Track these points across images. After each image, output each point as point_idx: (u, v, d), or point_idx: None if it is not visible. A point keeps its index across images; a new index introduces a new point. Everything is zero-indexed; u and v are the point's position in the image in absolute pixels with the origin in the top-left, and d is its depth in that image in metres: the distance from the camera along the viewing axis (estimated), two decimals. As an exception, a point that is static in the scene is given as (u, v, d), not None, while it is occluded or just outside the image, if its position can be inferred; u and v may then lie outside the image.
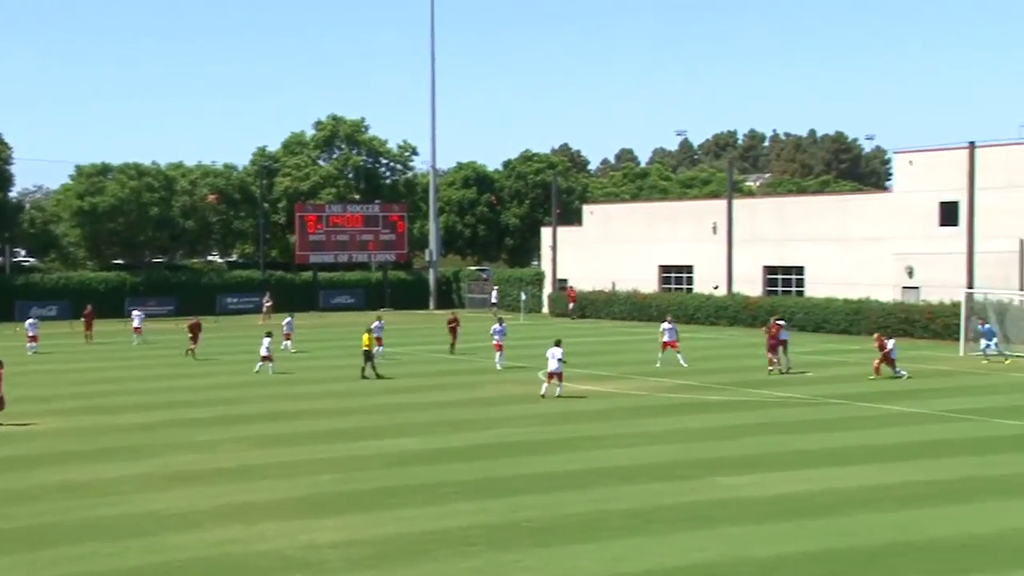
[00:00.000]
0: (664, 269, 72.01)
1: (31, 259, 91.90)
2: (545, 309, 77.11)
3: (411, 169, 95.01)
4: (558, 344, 34.78)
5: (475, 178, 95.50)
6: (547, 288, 78.24)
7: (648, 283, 71.57)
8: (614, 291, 71.85)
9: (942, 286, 54.41)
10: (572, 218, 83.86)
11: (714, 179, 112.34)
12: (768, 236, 65.24)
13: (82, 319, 57.56)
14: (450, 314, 53.61)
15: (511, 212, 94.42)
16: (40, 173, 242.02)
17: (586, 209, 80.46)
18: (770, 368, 40.29)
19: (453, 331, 48.78)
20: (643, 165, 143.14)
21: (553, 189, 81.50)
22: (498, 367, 41.70)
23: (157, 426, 29.53)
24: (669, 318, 45.45)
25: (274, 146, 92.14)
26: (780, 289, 64.97)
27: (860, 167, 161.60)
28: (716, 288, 60.86)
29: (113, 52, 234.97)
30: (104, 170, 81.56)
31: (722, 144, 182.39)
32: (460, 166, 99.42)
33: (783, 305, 58.98)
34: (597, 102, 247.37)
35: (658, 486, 21.77)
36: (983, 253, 53.53)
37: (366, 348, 39.83)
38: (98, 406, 33.28)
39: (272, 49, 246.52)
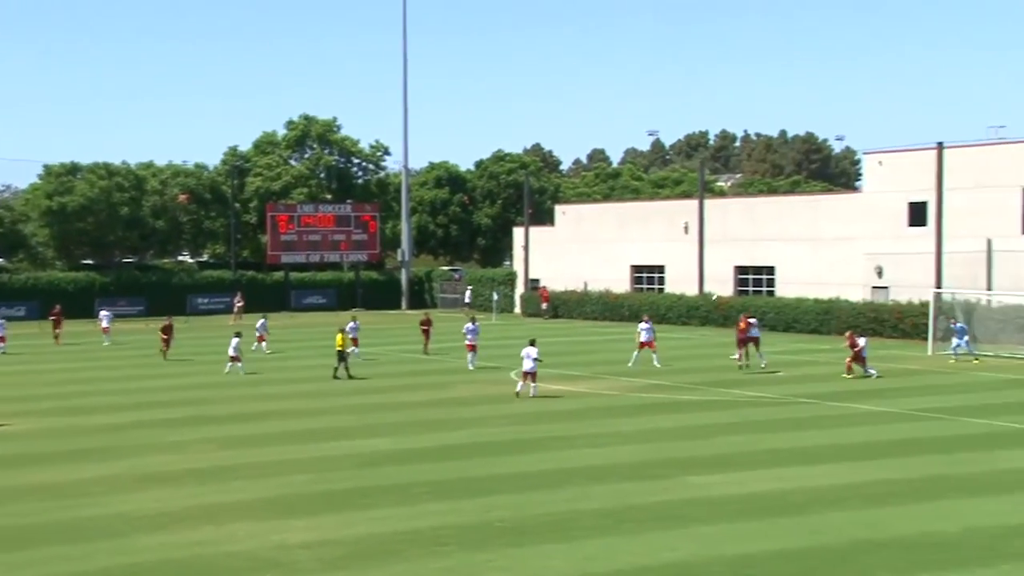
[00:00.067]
0: (636, 269, 72.21)
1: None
2: (517, 309, 77.16)
3: (383, 169, 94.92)
4: (533, 344, 34.82)
5: (447, 178, 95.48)
6: (519, 288, 78.31)
7: (620, 283, 71.76)
8: (586, 291, 71.99)
9: (911, 286, 54.82)
10: (544, 218, 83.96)
11: (686, 179, 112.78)
12: (739, 236, 65.55)
13: (50, 319, 57.13)
14: (423, 314, 53.57)
15: (483, 212, 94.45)
16: (8, 172, 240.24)
17: (558, 209, 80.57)
18: (737, 360, 40.83)
19: (426, 332, 48.73)
20: (615, 165, 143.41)
21: (525, 189, 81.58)
22: (470, 367, 41.71)
23: (127, 427, 29.37)
24: (646, 318, 45.59)
25: (245, 146, 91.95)
26: (751, 289, 65.29)
27: (830, 167, 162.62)
28: (715, 297, 60.95)
29: (82, 51, 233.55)
30: (73, 169, 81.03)
31: (694, 144, 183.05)
32: (432, 166, 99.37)
33: (754, 305, 59.26)
34: (569, 102, 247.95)
35: (630, 486, 21.85)
36: (951, 253, 53.99)
37: (339, 348, 39.76)
38: (68, 407, 33.07)
39: (243, 48, 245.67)
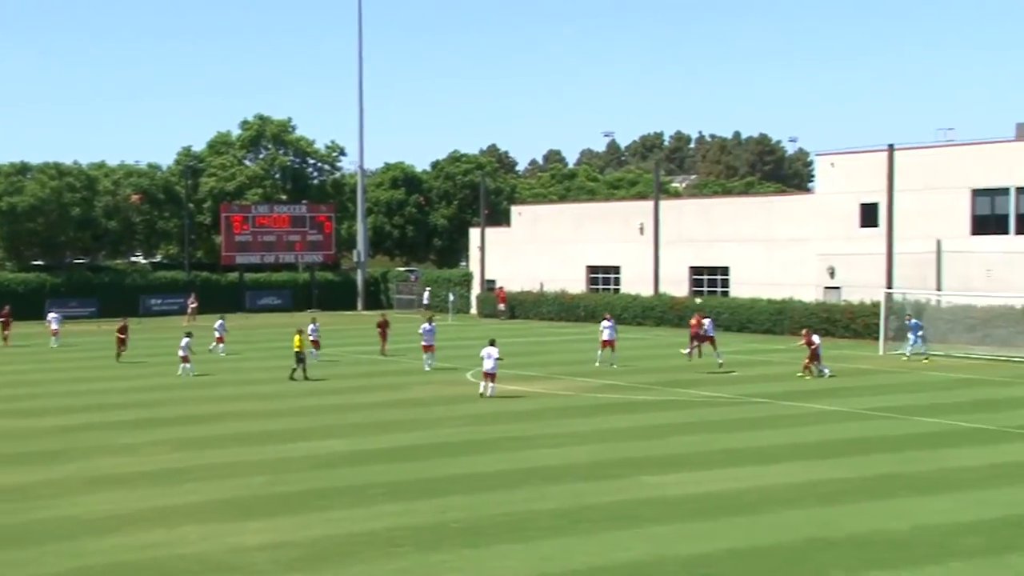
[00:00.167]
0: (592, 270, 72.43)
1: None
2: (473, 310, 77.15)
3: (339, 170, 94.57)
4: (492, 344, 34.85)
5: (403, 179, 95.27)
6: (475, 289, 78.29)
7: (576, 283, 71.95)
8: (542, 292, 72.12)
9: (863, 286, 55.41)
10: (500, 219, 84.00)
11: (641, 180, 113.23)
12: (694, 237, 65.92)
13: (-1, 321, 56.33)
14: (379, 316, 53.40)
15: (439, 213, 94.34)
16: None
17: (514, 210, 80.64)
18: (688, 353, 41.29)
19: (382, 333, 48.46)
20: (571, 166, 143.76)
21: (481, 190, 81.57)
22: (426, 368, 41.64)
23: (78, 429, 29.05)
24: (608, 316, 45.84)
25: (199, 146, 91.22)
26: (706, 289, 65.67)
27: (784, 169, 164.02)
28: (699, 300, 61.16)
29: (32, 50, 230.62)
30: (23, 169, 79.99)
31: (649, 145, 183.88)
32: (388, 167, 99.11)
33: (709, 305, 59.60)
34: (525, 103, 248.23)
35: (585, 486, 21.91)
36: (902, 254, 54.59)
37: (297, 350, 39.52)
38: (17, 409, 32.67)
39: (197, 48, 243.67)
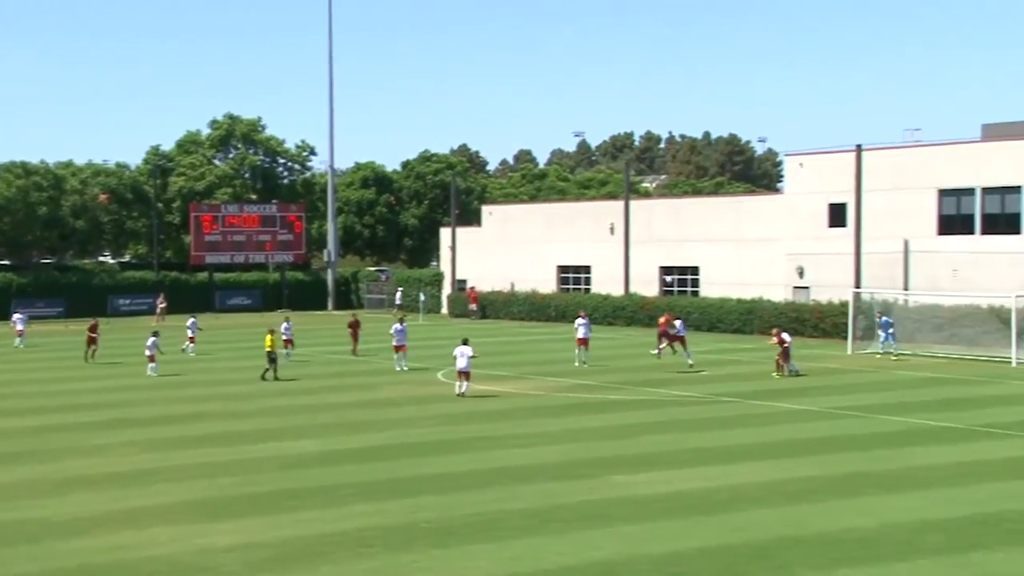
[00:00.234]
0: (562, 269, 72.55)
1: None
2: (444, 310, 77.11)
3: (309, 169, 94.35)
4: (466, 343, 34.91)
5: (374, 178, 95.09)
6: (446, 289, 78.26)
7: (547, 283, 72.05)
8: (513, 291, 72.18)
9: (831, 286, 55.77)
10: (471, 219, 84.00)
11: (611, 180, 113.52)
12: (664, 237, 66.16)
13: (-34, 322, 55.87)
14: (350, 315, 53.25)
15: (410, 212, 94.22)
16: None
17: (485, 210, 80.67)
18: (657, 354, 41.63)
19: (354, 333, 48.26)
20: (541, 166, 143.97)
21: (452, 189, 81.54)
22: (397, 368, 41.59)
23: (46, 430, 28.85)
24: (582, 314, 46.00)
25: (168, 145, 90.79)
26: (676, 289, 65.92)
27: (753, 169, 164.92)
28: (668, 279, 60.57)
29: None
30: (-11, 168, 79.30)
31: (619, 145, 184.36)
32: (358, 166, 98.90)
33: (679, 305, 59.85)
34: (496, 103, 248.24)
35: (556, 485, 21.97)
36: (870, 254, 55.04)
37: (269, 350, 39.36)
38: (-16, 411, 32.37)
39: (167, 47, 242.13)
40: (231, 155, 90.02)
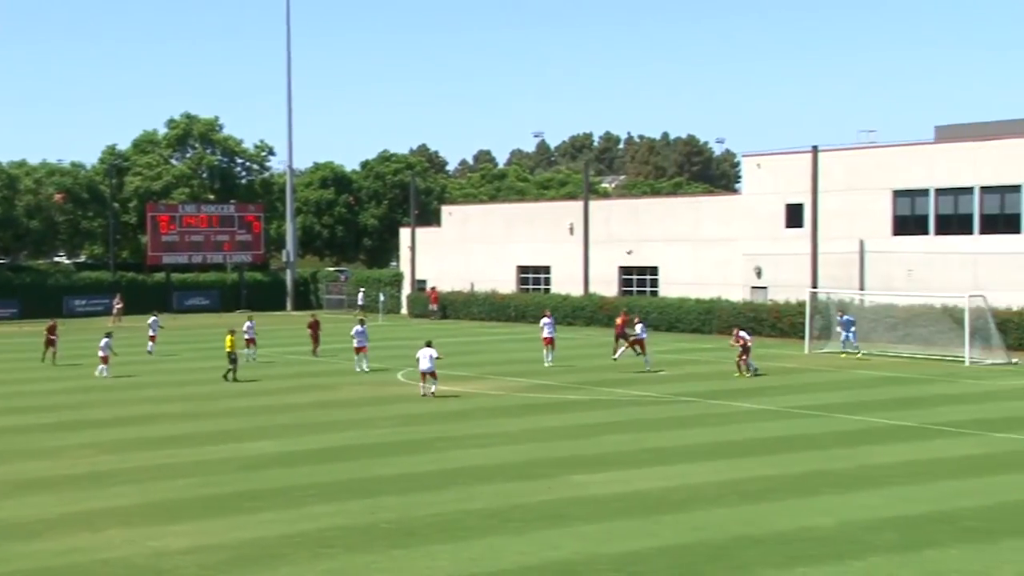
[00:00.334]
0: (522, 270, 72.62)
1: None
2: (404, 310, 76.95)
3: (267, 169, 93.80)
4: (429, 345, 34.91)
5: (333, 178, 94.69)
6: (406, 289, 78.11)
7: (507, 284, 72.09)
8: (473, 292, 72.17)
9: (788, 286, 56.20)
10: (431, 219, 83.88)
11: (571, 180, 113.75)
12: (623, 237, 66.38)
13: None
14: (310, 316, 52.97)
15: (369, 212, 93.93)
16: None
17: (445, 210, 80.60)
18: (616, 357, 41.60)
19: (314, 334, 47.89)
20: (501, 166, 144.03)
21: (411, 190, 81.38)
22: (357, 369, 41.45)
23: (1, 432, 28.50)
24: (548, 313, 46.03)
25: (124, 144, 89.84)
26: (635, 289, 66.17)
27: (711, 169, 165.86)
28: (630, 253, 60.26)
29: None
30: (-58, 167, 78.24)
31: (578, 146, 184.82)
32: (317, 166, 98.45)
33: (638, 305, 60.09)
34: (455, 103, 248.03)
35: (515, 485, 22.00)
36: (826, 254, 55.51)
37: (229, 350, 39.09)
38: (-63, 413, 31.95)
39: (122, 45, 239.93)
40: (188, 155, 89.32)
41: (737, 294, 59.23)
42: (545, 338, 43.31)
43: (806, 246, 56.04)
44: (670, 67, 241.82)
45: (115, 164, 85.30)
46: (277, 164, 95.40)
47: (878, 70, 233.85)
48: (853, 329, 45.73)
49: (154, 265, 79.62)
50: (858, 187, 55.94)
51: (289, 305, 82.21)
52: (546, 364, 42.59)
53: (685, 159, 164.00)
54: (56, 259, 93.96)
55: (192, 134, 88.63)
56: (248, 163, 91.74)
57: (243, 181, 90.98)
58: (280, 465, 24.07)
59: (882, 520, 19.13)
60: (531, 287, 71.95)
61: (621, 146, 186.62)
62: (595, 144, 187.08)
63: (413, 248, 77.75)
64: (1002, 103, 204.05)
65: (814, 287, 53.07)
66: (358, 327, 42.47)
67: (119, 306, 68.98)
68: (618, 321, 43.18)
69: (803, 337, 48.96)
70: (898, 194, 55.00)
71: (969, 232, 52.41)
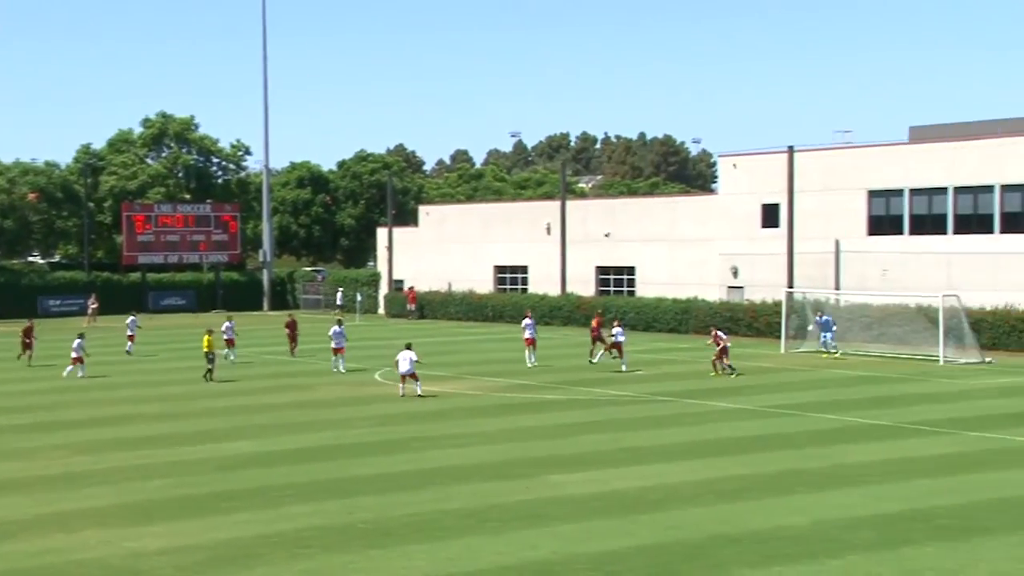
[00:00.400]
0: (499, 269, 72.62)
1: None
2: (381, 310, 76.83)
3: (244, 169, 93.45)
4: (409, 347, 34.88)
5: (309, 178, 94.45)
6: (383, 289, 77.98)
7: (484, 283, 72.08)
8: (450, 291, 72.13)
9: (765, 285, 56.41)
10: (408, 219, 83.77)
11: (548, 180, 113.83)
12: (600, 237, 66.47)
13: None
14: (287, 316, 52.78)
15: (346, 212, 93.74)
16: None
17: (422, 210, 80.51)
18: (594, 361, 41.69)
19: (291, 334, 47.64)
20: (478, 166, 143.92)
21: (388, 189, 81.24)
22: (334, 370, 41.37)
23: (-26, 434, 28.33)
24: (528, 314, 46.01)
25: (99, 144, 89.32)
26: (612, 289, 66.28)
27: (688, 170, 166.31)
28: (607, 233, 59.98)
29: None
30: (-87, 166, 77.58)
31: (555, 146, 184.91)
32: (294, 166, 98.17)
33: (615, 305, 60.20)
34: (432, 103, 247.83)
35: (492, 485, 22.01)
36: (802, 254, 55.75)
37: (206, 350, 38.91)
38: (-91, 414, 31.69)
39: (98, 44, 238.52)
40: (164, 154, 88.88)
41: (713, 294, 59.41)
42: (527, 339, 43.24)
43: (782, 246, 56.26)
44: (647, 67, 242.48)
45: (90, 163, 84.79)
46: (253, 164, 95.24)
47: (854, 70, 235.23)
48: (835, 328, 45.83)
49: (129, 265, 79.20)
50: (833, 187, 56.20)
51: (266, 305, 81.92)
52: (528, 365, 42.46)
53: (662, 159, 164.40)
54: (30, 259, 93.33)
55: (168, 133, 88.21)
56: (224, 163, 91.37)
57: (219, 181, 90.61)
58: (257, 465, 23.99)
59: (858, 519, 19.23)
60: (508, 287, 71.96)
61: (598, 146, 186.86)
62: (572, 144, 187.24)
63: (390, 248, 77.63)
64: (976, 104, 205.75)
65: (790, 287, 53.29)
66: (336, 327, 42.39)
67: (94, 306, 68.57)
68: (593, 323, 43.14)
69: (779, 337, 49.15)
70: (873, 194, 55.28)
71: (943, 232, 52.74)
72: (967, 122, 58.44)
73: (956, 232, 52.30)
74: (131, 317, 49.99)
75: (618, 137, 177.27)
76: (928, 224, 53.40)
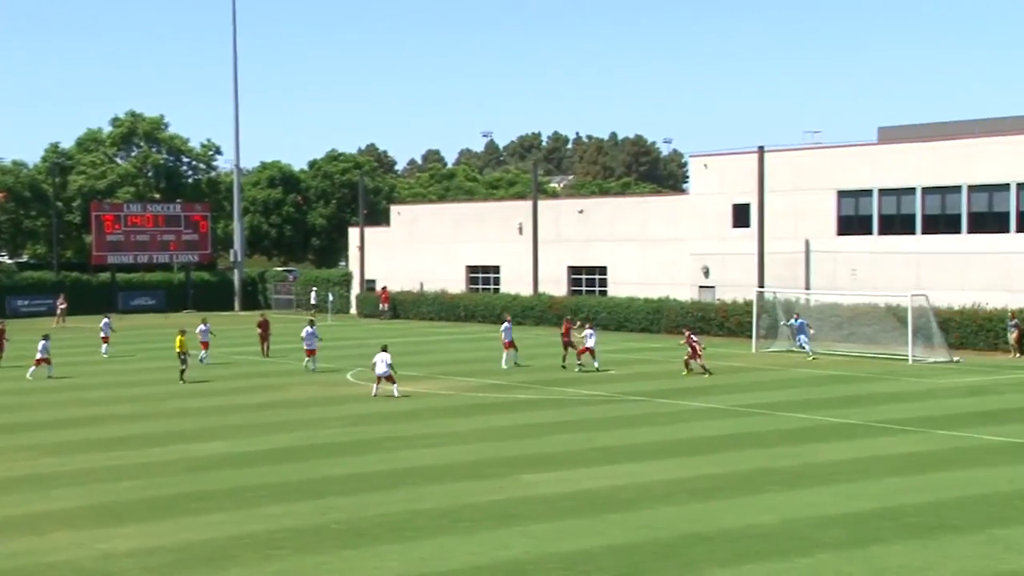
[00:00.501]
0: (471, 269, 72.61)
1: None
2: (353, 310, 76.67)
3: (214, 168, 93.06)
4: (385, 350, 34.85)
5: (280, 178, 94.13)
6: (355, 289, 77.82)
7: (456, 283, 72.05)
8: (422, 291, 72.06)
9: (735, 285, 56.64)
10: (380, 218, 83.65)
11: (519, 180, 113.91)
12: (572, 237, 66.58)
13: None
14: (259, 316, 52.55)
15: (317, 212, 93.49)
16: None
17: (393, 210, 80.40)
18: (563, 364, 41.68)
19: (263, 334, 47.39)
20: (450, 166, 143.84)
21: (360, 189, 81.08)
22: (308, 369, 41.26)
23: (-58, 436, 28.08)
24: (508, 317, 45.98)
25: (68, 143, 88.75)
26: (584, 289, 66.40)
27: (659, 170, 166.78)
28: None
29: None
30: None
31: (527, 146, 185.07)
32: (265, 165, 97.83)
33: (587, 304, 60.29)
34: (404, 102, 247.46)
35: (465, 485, 22.03)
36: (772, 253, 56.01)
37: (179, 351, 38.69)
38: None
39: (66, 42, 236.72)
40: (133, 153, 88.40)
41: (685, 293, 59.61)
42: (505, 342, 43.12)
43: (753, 246, 56.53)
44: (618, 68, 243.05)
45: (58, 163, 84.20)
46: (224, 163, 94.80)
47: (823, 71, 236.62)
48: (811, 332, 45.89)
49: (99, 265, 78.68)
50: (803, 187, 56.52)
51: (237, 305, 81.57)
52: (503, 367, 42.24)
53: (633, 159, 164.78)
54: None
55: (137, 133, 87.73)
56: (194, 162, 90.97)
57: (189, 180, 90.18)
58: (229, 466, 23.92)
59: (828, 517, 19.37)
60: (480, 287, 71.95)
61: (569, 146, 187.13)
62: (544, 144, 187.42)
63: (362, 248, 77.47)
64: (944, 105, 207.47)
65: (761, 287, 53.54)
66: (308, 328, 42.27)
67: (63, 307, 68.08)
68: (563, 329, 43.01)
69: (750, 336, 49.38)
70: (842, 194, 55.63)
71: (912, 232, 53.14)
72: (935, 123, 58.89)
73: (924, 232, 52.71)
74: (105, 319, 49.64)
75: (590, 137, 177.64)
76: (897, 224, 53.80)
